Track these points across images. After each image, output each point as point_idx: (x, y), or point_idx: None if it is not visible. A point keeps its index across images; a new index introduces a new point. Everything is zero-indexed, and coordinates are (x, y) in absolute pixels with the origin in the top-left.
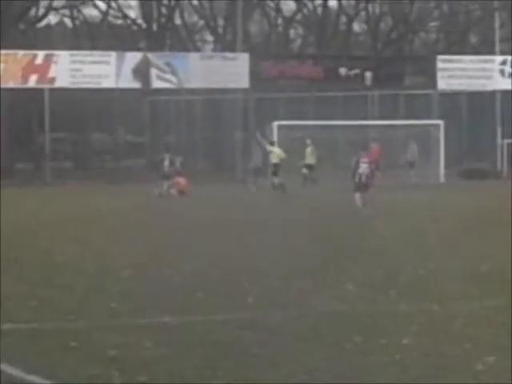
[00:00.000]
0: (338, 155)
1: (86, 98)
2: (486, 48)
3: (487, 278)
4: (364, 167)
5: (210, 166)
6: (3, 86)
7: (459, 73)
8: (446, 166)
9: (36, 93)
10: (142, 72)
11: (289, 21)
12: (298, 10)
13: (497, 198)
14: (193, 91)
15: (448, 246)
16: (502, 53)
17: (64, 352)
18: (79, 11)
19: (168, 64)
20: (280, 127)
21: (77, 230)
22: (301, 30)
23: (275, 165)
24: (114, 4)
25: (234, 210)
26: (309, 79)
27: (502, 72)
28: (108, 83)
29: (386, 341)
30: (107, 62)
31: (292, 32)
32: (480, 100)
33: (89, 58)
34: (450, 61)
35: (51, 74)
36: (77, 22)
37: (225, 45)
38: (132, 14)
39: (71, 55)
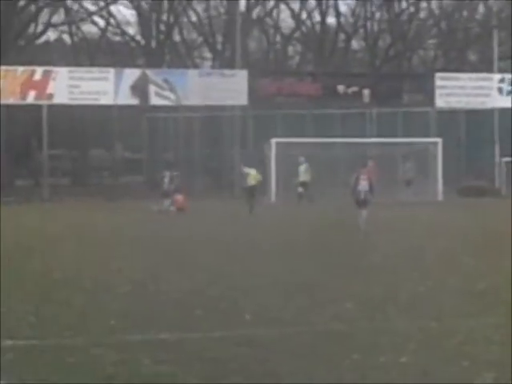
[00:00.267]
0: (336, 173)
1: (84, 115)
2: (484, 66)
3: (485, 296)
4: (363, 184)
5: (209, 183)
6: (2, 102)
7: (457, 90)
8: (445, 184)
9: (34, 109)
10: (140, 89)
11: (287, 38)
12: (297, 27)
13: (495, 216)
14: (191, 108)
15: (446, 263)
16: (501, 71)
17: (63, 369)
18: (78, 28)
19: (166, 81)
20: (278, 144)
21: (75, 247)
22: (299, 48)
23: (252, 187)
24: (112, 21)
25: (232, 227)
26: (307, 96)
27: (500, 90)
28: (106, 100)
29: (384, 358)
30: (106, 79)
31: (290, 49)
32: (478, 118)
33: (87, 75)
34: (448, 78)
35: (49, 90)
36: (75, 39)
37: (223, 62)
38: (131, 30)
39: (69, 71)
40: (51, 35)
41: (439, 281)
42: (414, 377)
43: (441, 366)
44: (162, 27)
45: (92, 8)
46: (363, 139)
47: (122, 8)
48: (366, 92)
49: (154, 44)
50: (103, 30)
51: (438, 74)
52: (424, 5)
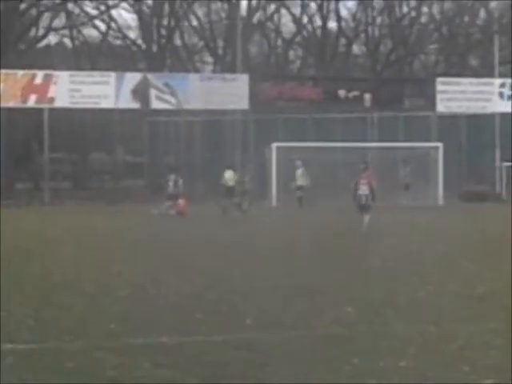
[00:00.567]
0: (337, 177)
1: (85, 118)
2: (485, 71)
3: (485, 301)
4: (364, 189)
5: (209, 187)
6: (3, 105)
7: (458, 95)
8: (445, 188)
9: (35, 113)
10: (141, 92)
11: (288, 42)
12: (298, 31)
13: (496, 221)
14: (192, 112)
15: (446, 267)
16: (501, 75)
17: (62, 372)
18: (79, 32)
19: (167, 85)
20: (279, 148)
21: (75, 250)
22: (300, 52)
23: (230, 188)
24: (113, 25)
25: (232, 230)
26: (308, 101)
27: (501, 95)
28: (107, 103)
29: (383, 363)
30: (107, 83)
31: (291, 53)
32: (479, 122)
33: (88, 79)
34: (449, 83)
35: (50, 94)
36: (76, 43)
37: (224, 66)
38: (132, 34)
39: (70, 75)
40: (52, 39)
41: (439, 285)
42: (413, 381)
43: (440, 371)
44: (163, 31)
45: (93, 12)
46: (364, 143)
47: (123, 12)
48: (367, 96)
49: (155, 48)
50: (104, 34)
51: (439, 79)
52: (425, 10)
